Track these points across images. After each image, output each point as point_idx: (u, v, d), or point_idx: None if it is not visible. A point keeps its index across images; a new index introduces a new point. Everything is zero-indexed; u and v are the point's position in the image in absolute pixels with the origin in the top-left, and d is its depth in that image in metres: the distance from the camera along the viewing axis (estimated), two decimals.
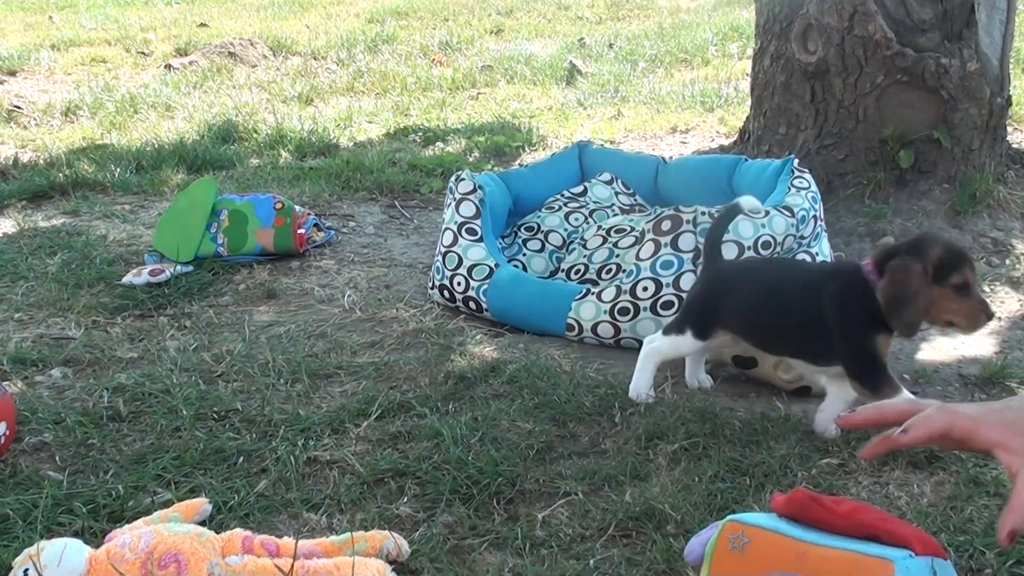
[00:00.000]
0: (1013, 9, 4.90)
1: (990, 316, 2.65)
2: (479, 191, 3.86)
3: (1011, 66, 5.12)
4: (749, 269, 3.17)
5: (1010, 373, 3.30)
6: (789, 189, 3.82)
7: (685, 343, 3.05)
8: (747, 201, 3.17)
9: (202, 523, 2.33)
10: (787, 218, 3.61)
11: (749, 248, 3.49)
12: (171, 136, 6.52)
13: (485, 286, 3.66)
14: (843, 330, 2.75)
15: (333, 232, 4.66)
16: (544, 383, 3.11)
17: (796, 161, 4.00)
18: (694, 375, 3.20)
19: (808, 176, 3.92)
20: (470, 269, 3.69)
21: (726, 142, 5.76)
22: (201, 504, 2.40)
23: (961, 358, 3.49)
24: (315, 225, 4.56)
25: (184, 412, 2.93)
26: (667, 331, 3.09)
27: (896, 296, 2.62)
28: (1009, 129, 5.25)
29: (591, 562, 2.24)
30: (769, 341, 3.00)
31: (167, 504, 2.43)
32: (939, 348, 3.57)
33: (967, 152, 4.68)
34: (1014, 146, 5.20)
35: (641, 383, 3.06)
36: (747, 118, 5.34)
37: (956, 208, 4.52)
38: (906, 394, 2.70)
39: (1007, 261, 4.28)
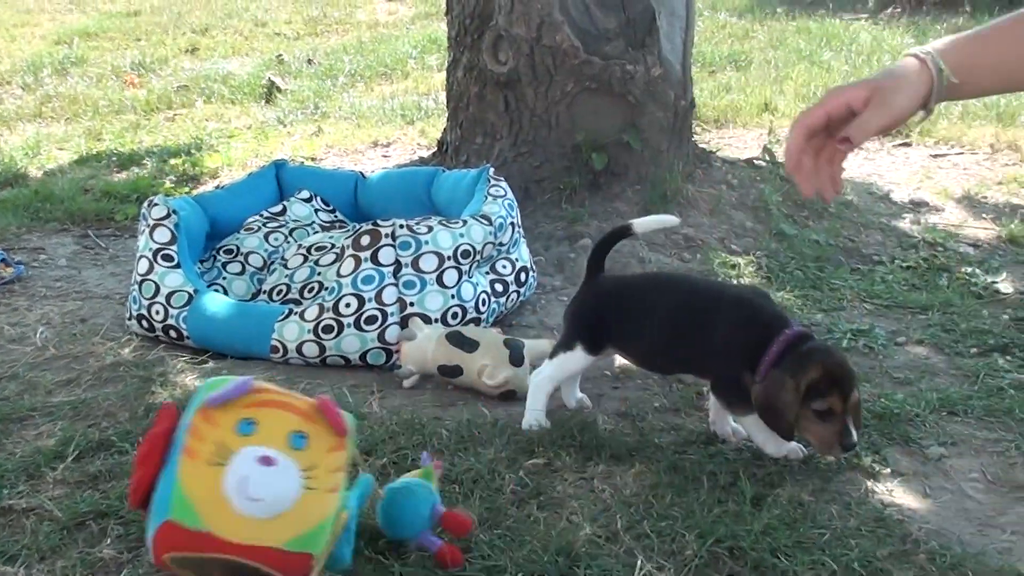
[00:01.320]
0: (692, 16, 5.13)
1: (846, 449, 2.63)
2: (173, 216, 3.77)
3: (693, 70, 5.35)
4: (641, 287, 3.10)
5: None
6: (486, 198, 3.88)
7: (575, 359, 3.00)
8: (640, 223, 3.10)
9: None
10: (485, 226, 3.68)
11: (449, 257, 3.53)
12: None
13: (185, 313, 3.58)
14: (725, 361, 2.78)
15: (23, 267, 4.47)
16: None
17: (492, 170, 4.08)
18: (571, 395, 3.18)
19: (504, 184, 4.00)
20: (168, 296, 3.60)
21: (427, 154, 5.81)
22: None
23: None
24: (2, 261, 4.37)
25: None
26: (554, 354, 3.04)
27: (768, 408, 2.64)
28: (695, 130, 5.49)
29: None
30: (658, 364, 3.04)
31: None
32: None
33: (656, 154, 4.86)
34: (700, 146, 5.43)
35: (535, 415, 2.99)
36: (444, 129, 5.40)
37: (648, 208, 4.68)
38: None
39: (698, 256, 4.46)
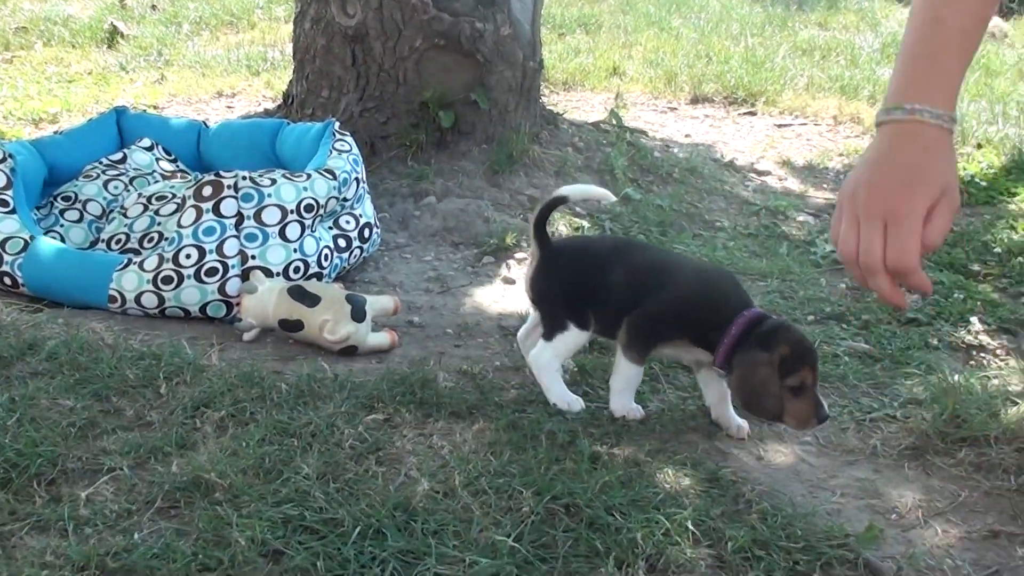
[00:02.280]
0: None
1: (821, 420, 2.64)
2: (9, 160, 3.67)
3: (542, 31, 5.38)
4: (599, 252, 3.00)
5: None
6: (331, 152, 3.86)
7: (574, 337, 2.94)
8: (572, 189, 3.06)
9: None
10: (329, 181, 3.66)
11: (292, 211, 3.51)
12: None
13: (20, 260, 3.49)
14: (669, 317, 2.78)
15: None
16: (85, 358, 3.01)
17: (337, 124, 4.06)
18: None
19: (349, 139, 3.98)
20: (3, 243, 3.50)
21: (272, 106, 5.74)
22: None
23: (501, 311, 3.66)
24: None
25: None
26: (548, 337, 2.95)
27: (751, 390, 2.65)
28: (543, 92, 5.52)
29: (137, 536, 2.20)
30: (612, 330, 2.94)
31: None
32: (480, 301, 3.73)
33: (503, 113, 4.88)
34: (548, 108, 5.47)
35: (560, 392, 2.93)
36: (290, 82, 5.34)
37: (494, 167, 4.71)
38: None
39: None
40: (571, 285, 2.92)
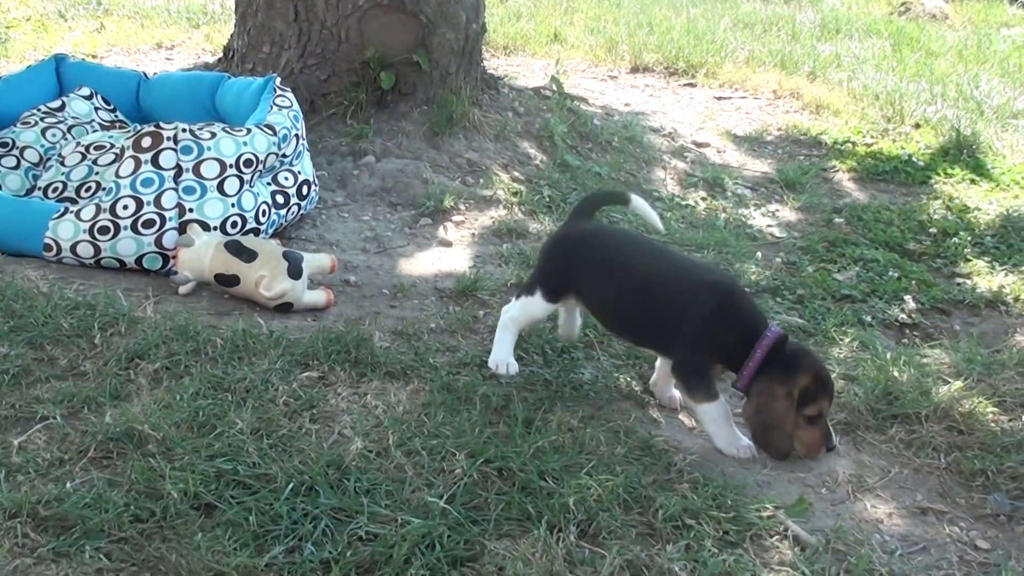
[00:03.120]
0: None
1: (830, 449, 2.64)
2: None
3: None
4: (615, 242, 2.94)
5: (482, 286, 3.52)
6: (271, 108, 3.85)
7: (534, 306, 2.94)
8: (637, 201, 3.06)
9: None
10: (269, 136, 3.65)
11: (231, 165, 3.50)
12: None
13: None
14: (690, 346, 2.69)
15: None
16: (20, 305, 2.99)
17: (278, 80, 4.04)
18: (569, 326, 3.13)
19: (290, 95, 3.97)
20: None
21: (212, 60, 5.69)
22: None
23: (437, 273, 3.67)
24: None
25: None
26: (519, 294, 2.98)
27: (765, 424, 2.60)
28: (485, 55, 5.52)
29: (69, 485, 2.21)
30: (619, 329, 2.95)
31: None
32: (417, 263, 3.74)
33: (445, 75, 4.88)
34: (489, 72, 5.46)
35: (502, 353, 2.94)
36: (232, 36, 5.30)
37: (434, 129, 4.71)
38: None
39: (480, 180, 4.52)
40: (569, 263, 2.92)
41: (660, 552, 2.18)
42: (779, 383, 2.56)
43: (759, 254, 4.16)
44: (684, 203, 4.71)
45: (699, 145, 5.57)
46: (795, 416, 2.57)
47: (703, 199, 4.79)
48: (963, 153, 5.50)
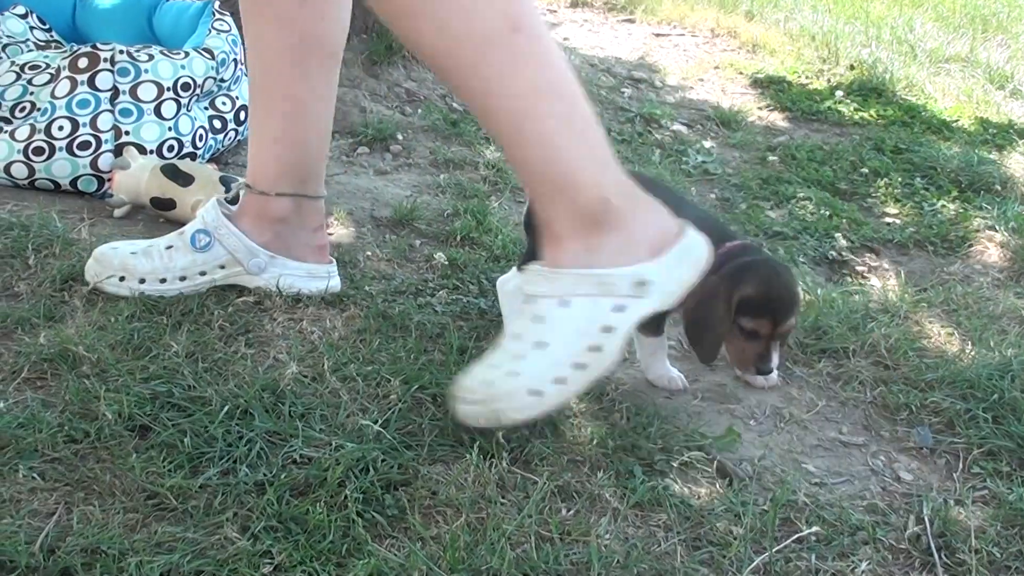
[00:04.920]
0: None
1: (761, 371, 2.56)
2: None
3: None
4: None
5: (419, 216, 3.53)
6: (210, 31, 3.82)
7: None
8: None
9: None
10: (207, 60, 3.63)
11: (169, 88, 3.48)
12: None
13: None
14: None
15: None
16: None
17: (216, 3, 4.00)
18: None
19: (229, 19, 3.94)
20: None
21: None
22: None
23: (374, 202, 3.68)
24: None
25: None
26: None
27: (695, 318, 2.52)
28: None
29: (1, 405, 2.22)
30: None
31: None
32: (353, 191, 3.74)
33: None
34: None
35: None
36: None
37: (373, 58, 4.69)
38: None
39: (419, 111, 4.52)
40: None
41: (590, 479, 2.22)
42: (723, 284, 2.49)
43: (693, 190, 4.20)
44: (620, 137, 4.74)
45: (636, 81, 5.58)
46: (732, 324, 2.51)
47: (639, 134, 4.82)
48: (896, 96, 5.57)
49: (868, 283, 3.53)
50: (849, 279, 3.59)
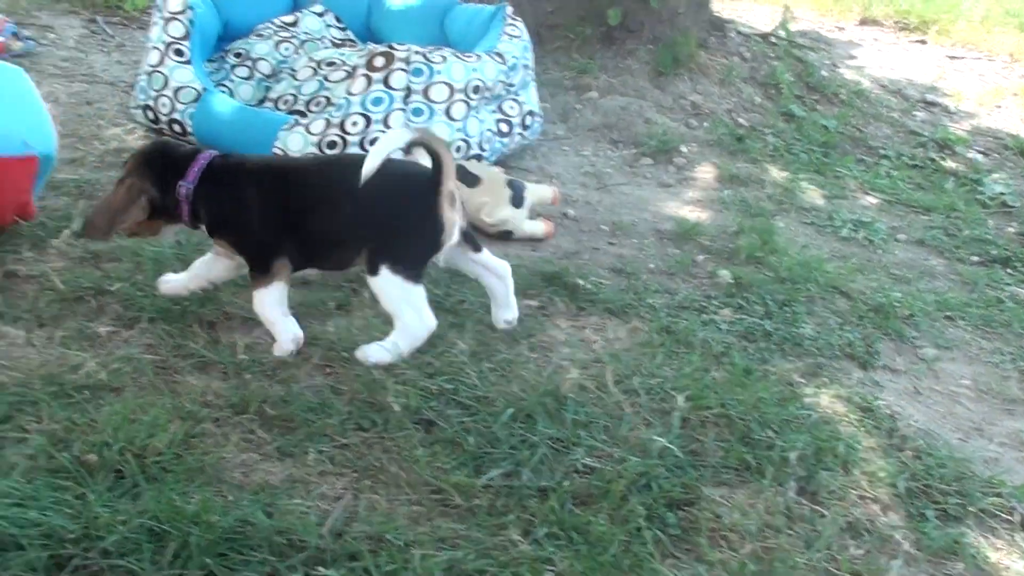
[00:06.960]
0: None
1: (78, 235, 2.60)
2: (189, 11, 3.70)
3: None
4: None
5: (702, 231, 3.46)
6: (501, 36, 3.84)
7: None
8: None
9: None
10: (498, 64, 3.64)
11: (460, 91, 3.50)
12: None
13: (191, 109, 3.54)
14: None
15: (33, 43, 4.40)
16: None
17: (509, 9, 4.02)
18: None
19: (521, 25, 3.95)
20: (176, 91, 3.56)
21: None
22: None
23: (657, 213, 3.62)
24: (13, 34, 4.28)
25: None
26: None
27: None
28: None
29: (295, 388, 2.25)
30: None
31: None
32: (636, 202, 3.70)
33: (673, 15, 4.81)
34: (716, 14, 5.36)
35: None
36: None
37: (659, 69, 4.65)
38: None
39: (704, 124, 4.45)
40: None
41: (880, 518, 2.11)
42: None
43: (991, 222, 3.99)
44: (912, 163, 4.56)
45: (929, 104, 5.37)
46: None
47: (931, 160, 4.62)
48: None
49: None
50: None
